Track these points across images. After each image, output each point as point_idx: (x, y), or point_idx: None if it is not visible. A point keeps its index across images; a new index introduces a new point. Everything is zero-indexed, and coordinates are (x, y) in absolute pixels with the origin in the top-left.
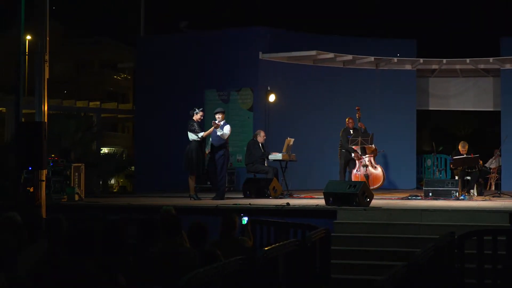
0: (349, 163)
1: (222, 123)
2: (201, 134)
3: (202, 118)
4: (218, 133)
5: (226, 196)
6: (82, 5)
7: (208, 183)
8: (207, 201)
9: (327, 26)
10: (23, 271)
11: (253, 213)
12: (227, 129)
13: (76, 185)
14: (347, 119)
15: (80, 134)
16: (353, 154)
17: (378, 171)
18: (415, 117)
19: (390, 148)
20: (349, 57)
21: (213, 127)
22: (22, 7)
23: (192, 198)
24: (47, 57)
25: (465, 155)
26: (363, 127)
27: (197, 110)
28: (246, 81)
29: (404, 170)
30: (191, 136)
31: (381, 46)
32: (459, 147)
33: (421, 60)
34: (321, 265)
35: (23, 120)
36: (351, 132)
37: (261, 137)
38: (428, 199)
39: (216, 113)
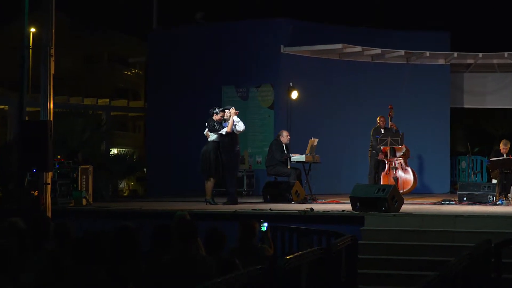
0: (379, 165)
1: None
2: (225, 129)
3: (222, 118)
4: (239, 128)
5: (245, 201)
6: None
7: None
8: (225, 206)
9: (354, 17)
10: (27, 280)
11: (274, 219)
12: (241, 123)
13: (84, 189)
14: (378, 118)
15: (88, 134)
16: (378, 155)
17: (409, 174)
18: (449, 115)
19: (421, 149)
20: (378, 50)
21: (232, 117)
22: None
23: (208, 203)
24: (52, 51)
25: (505, 155)
26: (394, 127)
27: (217, 110)
28: (267, 77)
29: (436, 173)
30: (212, 136)
31: (412, 38)
32: (501, 145)
33: (455, 54)
34: (347, 275)
35: (27, 118)
36: (382, 132)
37: (284, 137)
38: (463, 204)
39: (226, 109)
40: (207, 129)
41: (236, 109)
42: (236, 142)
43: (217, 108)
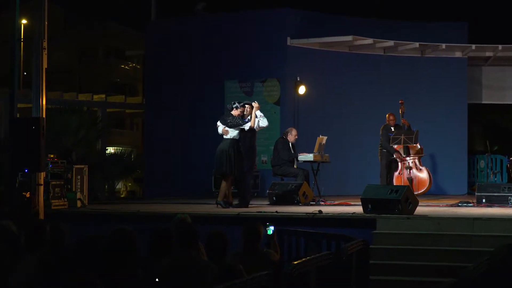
0: (391, 165)
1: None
2: (249, 124)
3: (242, 114)
4: (262, 123)
5: (249, 203)
6: None
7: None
8: (227, 208)
9: (365, 8)
10: (17, 284)
11: (280, 222)
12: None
13: (78, 190)
14: (387, 115)
15: (83, 132)
16: (394, 155)
17: (424, 174)
18: (466, 112)
19: (437, 148)
20: (391, 43)
21: (255, 112)
22: None
23: (219, 205)
24: (45, 44)
25: None
26: (407, 124)
27: (237, 104)
28: (272, 71)
29: (453, 173)
30: (232, 133)
31: (427, 30)
32: None
33: (473, 46)
34: (358, 282)
35: (18, 115)
36: (392, 130)
37: (292, 136)
38: (481, 206)
39: (247, 104)
40: (224, 126)
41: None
42: (255, 139)
43: (237, 102)
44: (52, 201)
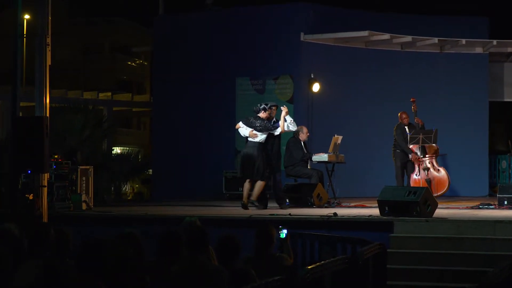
0: (407, 166)
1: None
2: (279, 130)
3: (268, 116)
4: (292, 127)
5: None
6: None
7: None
8: (238, 210)
9: (382, 2)
10: None
11: (294, 225)
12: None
13: (84, 192)
14: (399, 114)
15: (88, 131)
16: (410, 156)
17: (442, 174)
18: (487, 110)
19: (457, 147)
20: (408, 38)
21: (284, 117)
22: None
23: (252, 205)
24: (49, 40)
25: None
26: (420, 123)
27: (264, 106)
28: (285, 68)
29: (474, 173)
30: (260, 136)
31: (446, 25)
32: None
33: (495, 41)
34: (374, 287)
35: (20, 114)
36: (406, 129)
37: (304, 134)
38: (503, 209)
39: (274, 106)
40: (250, 129)
41: (252, 103)
42: (280, 142)
43: (264, 104)
44: (56, 203)
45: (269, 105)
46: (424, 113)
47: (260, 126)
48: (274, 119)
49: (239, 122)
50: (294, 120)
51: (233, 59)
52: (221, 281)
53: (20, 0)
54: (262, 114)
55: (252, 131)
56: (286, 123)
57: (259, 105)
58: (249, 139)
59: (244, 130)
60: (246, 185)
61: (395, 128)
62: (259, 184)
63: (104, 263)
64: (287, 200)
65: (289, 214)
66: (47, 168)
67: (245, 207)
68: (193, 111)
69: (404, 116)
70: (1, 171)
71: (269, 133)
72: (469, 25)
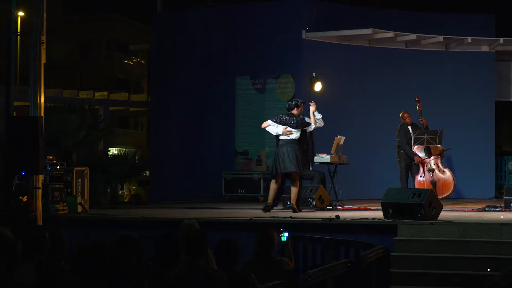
0: (412, 167)
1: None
2: (313, 126)
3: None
4: (319, 124)
5: (261, 207)
6: None
7: (242, 191)
8: (238, 212)
9: None
10: None
11: (295, 228)
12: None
13: (79, 194)
14: (401, 114)
15: (84, 132)
16: (414, 159)
17: (447, 175)
18: (494, 109)
19: (462, 148)
20: (413, 36)
21: (313, 112)
22: None
23: (291, 209)
24: (44, 38)
25: None
26: (424, 123)
27: (297, 102)
28: (286, 66)
29: (480, 175)
30: (295, 133)
31: (452, 22)
32: None
33: (501, 40)
34: None
35: (14, 114)
36: (410, 130)
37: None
38: (510, 211)
39: (303, 102)
40: (284, 126)
41: (252, 103)
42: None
43: (295, 100)
44: (51, 205)
45: (299, 101)
46: (428, 113)
47: (296, 123)
48: (301, 116)
49: (267, 120)
50: (323, 117)
51: (233, 57)
52: (220, 286)
53: None
54: (295, 111)
55: (286, 128)
56: (317, 119)
57: (290, 101)
58: (282, 137)
59: (274, 128)
60: (273, 185)
61: (398, 129)
62: (296, 186)
63: (102, 267)
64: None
65: (290, 217)
66: (42, 169)
67: (268, 209)
68: (192, 111)
69: (406, 115)
70: None
71: (303, 130)
72: (475, 23)
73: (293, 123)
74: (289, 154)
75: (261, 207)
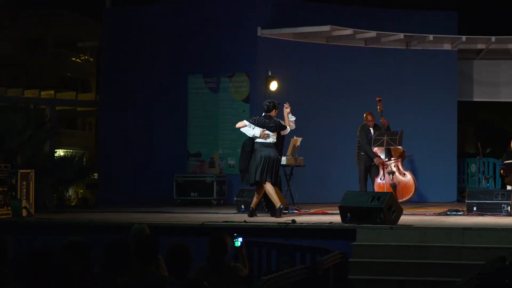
0: (371, 169)
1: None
2: (288, 129)
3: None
4: (292, 126)
5: (214, 211)
6: None
7: (195, 194)
8: (190, 216)
9: None
10: None
11: (249, 233)
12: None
13: (24, 197)
14: (365, 115)
15: (29, 132)
16: (374, 160)
17: (408, 178)
18: (456, 110)
19: (423, 150)
20: (373, 33)
21: (287, 114)
22: None
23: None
24: None
25: None
26: (385, 124)
27: (274, 103)
28: (241, 65)
29: (441, 178)
30: (272, 137)
31: (413, 19)
32: None
33: (464, 38)
34: None
35: None
36: (371, 131)
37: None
38: (472, 215)
39: (278, 103)
40: (261, 128)
41: (205, 102)
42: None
43: (271, 101)
44: None
45: (276, 102)
46: (389, 113)
47: (274, 126)
48: (277, 119)
49: (243, 120)
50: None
51: (186, 55)
52: None
53: None
54: (273, 113)
55: (264, 131)
56: (290, 121)
57: (268, 103)
58: (259, 140)
59: (251, 129)
60: (261, 190)
61: (359, 129)
62: (272, 188)
63: (48, 274)
64: (243, 207)
65: (244, 221)
66: None
67: (253, 213)
68: (142, 110)
69: (370, 118)
70: None
71: (278, 133)
72: (437, 20)
73: (271, 126)
74: (274, 162)
75: (214, 211)
